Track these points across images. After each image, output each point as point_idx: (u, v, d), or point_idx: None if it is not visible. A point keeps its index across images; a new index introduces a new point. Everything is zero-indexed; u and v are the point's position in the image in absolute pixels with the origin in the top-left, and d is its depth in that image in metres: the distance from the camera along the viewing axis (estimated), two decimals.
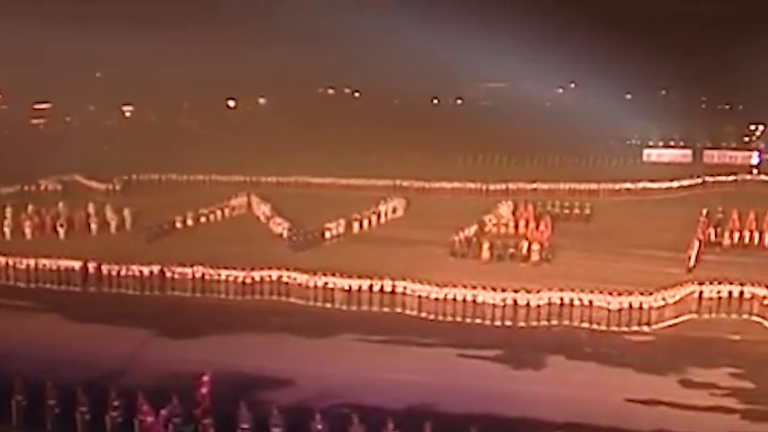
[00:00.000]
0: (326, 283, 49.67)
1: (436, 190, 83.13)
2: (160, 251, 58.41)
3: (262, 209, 72.41)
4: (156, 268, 52.19)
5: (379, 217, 71.01)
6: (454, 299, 47.41)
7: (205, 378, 30.38)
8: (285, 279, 50.75)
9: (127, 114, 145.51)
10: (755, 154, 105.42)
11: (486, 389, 37.77)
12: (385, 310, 48.48)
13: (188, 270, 51.77)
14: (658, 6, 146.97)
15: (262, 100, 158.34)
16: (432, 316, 47.47)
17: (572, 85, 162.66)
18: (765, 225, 63.98)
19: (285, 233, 64.91)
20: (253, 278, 51.03)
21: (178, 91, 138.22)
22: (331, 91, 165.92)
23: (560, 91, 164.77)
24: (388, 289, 48.74)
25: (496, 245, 60.05)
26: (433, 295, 47.80)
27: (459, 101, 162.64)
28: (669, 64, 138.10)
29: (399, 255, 58.27)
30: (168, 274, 52.01)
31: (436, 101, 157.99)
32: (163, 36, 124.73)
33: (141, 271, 52.16)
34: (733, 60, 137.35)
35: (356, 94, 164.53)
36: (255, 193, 76.93)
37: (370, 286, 48.98)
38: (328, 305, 49.30)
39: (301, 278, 50.30)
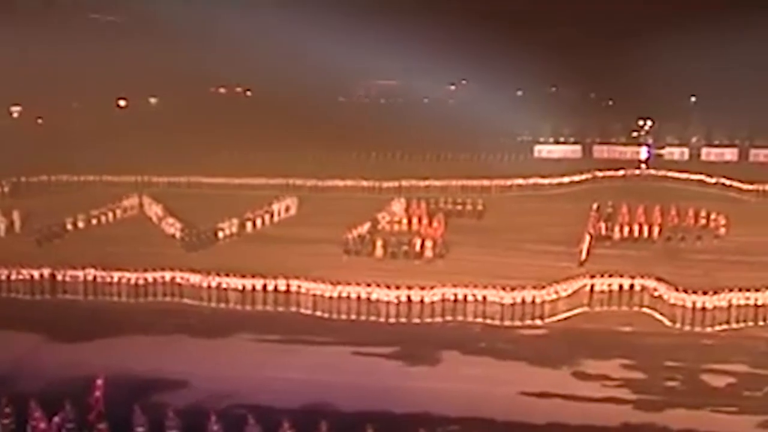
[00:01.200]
0: (220, 284, 49.31)
1: (329, 188, 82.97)
2: (50, 254, 57.34)
3: (154, 210, 71.58)
4: (47, 272, 51.21)
5: (272, 216, 70.69)
6: (349, 297, 47.40)
7: (99, 382, 29.97)
8: (178, 280, 50.23)
9: (15, 115, 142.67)
10: (643, 149, 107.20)
11: (382, 386, 37.80)
12: (280, 309, 48.29)
13: (80, 273, 50.92)
14: (548, 4, 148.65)
15: (153, 100, 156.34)
16: (327, 315, 47.40)
17: (463, 82, 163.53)
18: (654, 218, 65.19)
19: (178, 234, 64.28)
20: (145, 280, 50.39)
21: (68, 91, 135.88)
22: (222, 90, 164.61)
23: (452, 87, 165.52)
24: (282, 288, 48.55)
25: (389, 242, 60.25)
26: (327, 294, 47.74)
27: (352, 98, 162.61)
28: (559, 61, 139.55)
29: (293, 253, 58.03)
30: (59, 277, 51.09)
31: (328, 99, 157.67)
32: (52, 35, 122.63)
33: (31, 275, 51.10)
34: (621, 57, 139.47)
35: (248, 93, 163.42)
36: (147, 193, 75.99)
37: (264, 286, 48.73)
38: (222, 305, 48.95)
39: (195, 279, 49.85)
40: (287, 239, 63.36)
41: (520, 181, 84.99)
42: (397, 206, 70.29)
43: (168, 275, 50.47)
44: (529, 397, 36.95)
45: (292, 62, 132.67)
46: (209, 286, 49.42)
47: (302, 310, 48.05)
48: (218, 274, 49.59)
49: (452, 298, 46.85)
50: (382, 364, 41.15)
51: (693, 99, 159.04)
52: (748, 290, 46.54)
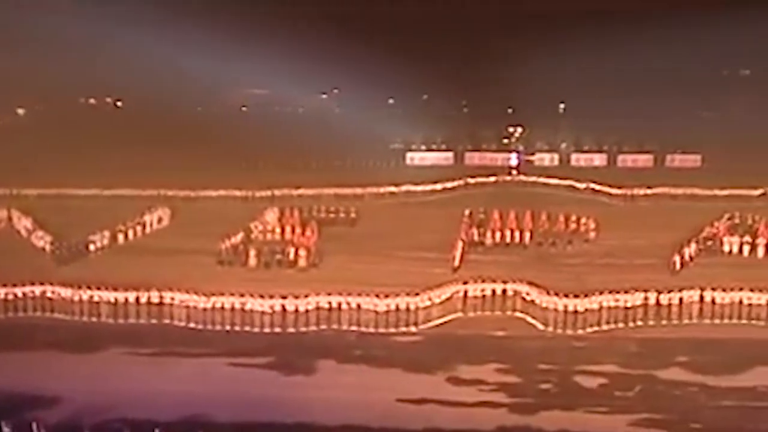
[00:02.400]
0: (92, 297, 48.50)
1: (202, 198, 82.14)
2: None
3: (24, 223, 70.02)
4: None
5: (144, 227, 69.77)
6: (222, 308, 47.11)
7: None
8: (49, 294, 49.22)
9: None
10: (514, 155, 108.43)
11: (258, 397, 37.67)
12: (153, 321, 47.74)
13: None
14: (420, 14, 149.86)
15: (20, 111, 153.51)
16: (201, 326, 47.01)
17: (335, 91, 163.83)
18: (525, 224, 66.05)
19: (48, 247, 63.03)
20: (15, 294, 49.26)
21: None
22: (92, 101, 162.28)
23: (323, 96, 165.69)
24: (155, 300, 47.99)
25: (263, 252, 60.07)
26: (201, 305, 47.37)
27: (224, 108, 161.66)
28: (430, 70, 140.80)
29: (165, 265, 57.40)
30: None
31: (200, 109, 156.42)
32: None
33: None
34: (491, 66, 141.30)
35: (118, 104, 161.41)
36: (15, 206, 74.35)
37: (137, 298, 48.11)
38: (95, 319, 48.18)
39: (66, 292, 48.94)
40: (160, 251, 62.60)
41: (393, 189, 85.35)
42: (271, 216, 70.03)
43: (38, 290, 49.39)
44: (405, 403, 37.15)
45: (164, 72, 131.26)
46: (80, 300, 48.57)
47: (176, 322, 47.55)
48: (90, 288, 48.77)
49: (326, 306, 46.90)
50: (258, 374, 41.00)
51: (562, 106, 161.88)
52: (617, 292, 47.54)
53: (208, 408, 35.79)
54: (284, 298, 46.98)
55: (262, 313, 46.61)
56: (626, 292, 47.72)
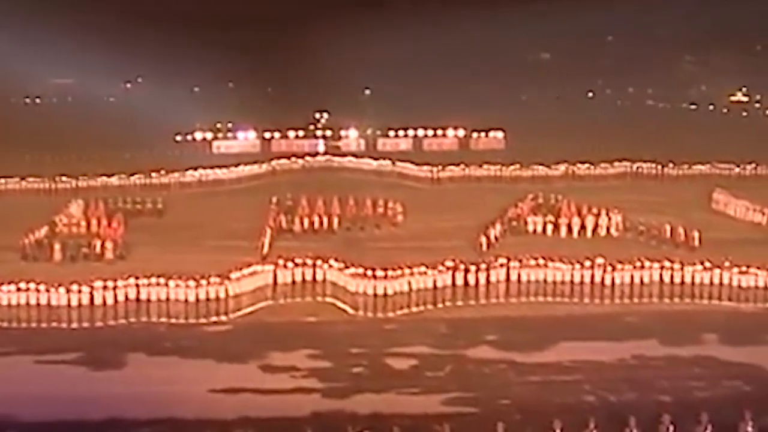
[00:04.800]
0: None
1: (3, 191, 79.99)
2: None
3: None
4: None
5: None
6: (27, 304, 45.95)
7: None
8: None
9: None
10: (321, 141, 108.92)
11: (66, 394, 36.81)
12: None
13: None
14: (223, 6, 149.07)
15: None
16: (5, 324, 45.67)
17: (139, 80, 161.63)
18: (333, 209, 66.36)
19: None
20: None
21: None
22: None
23: (128, 86, 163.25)
24: None
25: (68, 246, 58.80)
26: (4, 302, 46.06)
27: (27, 98, 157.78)
28: (235, 57, 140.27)
29: None
30: None
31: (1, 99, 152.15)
32: None
33: None
34: (296, 52, 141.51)
35: None
36: None
37: None
38: None
39: None
40: None
41: (200, 178, 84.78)
42: (75, 208, 68.55)
43: None
44: (218, 393, 36.86)
45: None
46: None
47: None
48: None
49: (135, 298, 46.25)
50: (66, 371, 40.01)
51: (368, 91, 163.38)
52: (425, 275, 48.23)
53: (14, 408, 34.73)
54: (91, 292, 46.09)
55: (69, 308, 45.65)
56: (434, 273, 48.45)
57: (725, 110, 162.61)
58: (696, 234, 59.80)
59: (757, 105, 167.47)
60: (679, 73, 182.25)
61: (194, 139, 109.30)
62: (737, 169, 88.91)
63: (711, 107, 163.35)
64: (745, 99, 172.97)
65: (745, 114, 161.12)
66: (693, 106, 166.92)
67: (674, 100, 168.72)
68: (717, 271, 49.52)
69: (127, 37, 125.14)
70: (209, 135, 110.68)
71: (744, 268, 49.33)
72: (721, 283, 49.32)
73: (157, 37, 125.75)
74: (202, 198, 79.09)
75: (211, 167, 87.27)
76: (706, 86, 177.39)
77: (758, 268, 49.30)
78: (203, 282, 46.79)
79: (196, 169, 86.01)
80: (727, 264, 49.69)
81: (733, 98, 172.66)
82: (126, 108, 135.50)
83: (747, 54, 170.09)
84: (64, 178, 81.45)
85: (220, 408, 35.15)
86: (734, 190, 75.75)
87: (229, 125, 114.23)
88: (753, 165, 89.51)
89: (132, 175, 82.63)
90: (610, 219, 64.93)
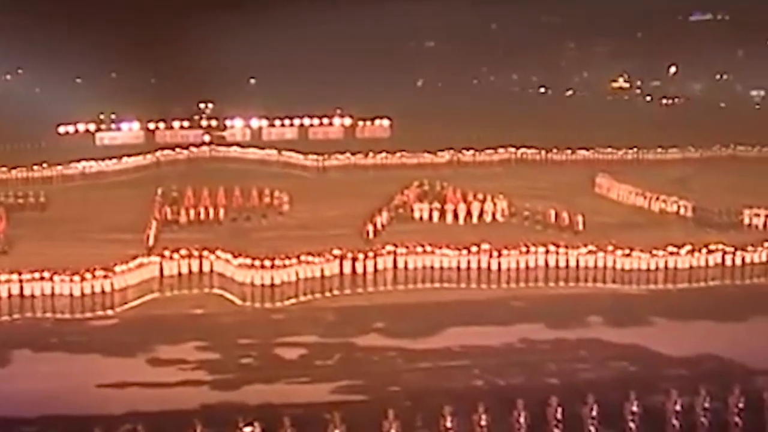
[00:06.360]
0: None
1: None
2: None
3: None
4: None
5: None
6: None
7: None
8: None
9: None
10: (206, 131, 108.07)
11: None
12: None
13: None
14: None
15: None
16: None
17: (20, 71, 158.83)
18: (219, 200, 65.95)
19: None
20: None
21: None
22: None
23: (7, 77, 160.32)
24: None
25: None
26: None
27: None
28: (118, 47, 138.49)
29: None
30: None
31: None
32: None
33: None
34: (180, 42, 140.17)
35: None
36: None
37: None
38: None
39: None
40: None
41: (84, 170, 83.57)
42: None
43: None
44: (106, 388, 36.47)
45: None
46: None
47: None
48: None
49: (19, 294, 45.41)
50: None
51: (253, 81, 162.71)
52: (313, 264, 48.22)
53: None
54: None
55: None
56: (322, 262, 48.48)
57: (608, 96, 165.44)
58: (580, 218, 60.91)
59: (638, 91, 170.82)
60: (562, 60, 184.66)
61: (77, 131, 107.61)
62: (619, 154, 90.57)
63: (593, 93, 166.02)
64: (627, 85, 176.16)
65: (626, 99, 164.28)
66: (576, 93, 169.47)
67: (558, 87, 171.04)
68: (601, 254, 50.31)
69: (5, 29, 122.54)
70: (92, 126, 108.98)
71: (627, 251, 50.22)
72: (605, 266, 50.12)
73: (37, 28, 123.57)
74: (86, 191, 77.97)
75: (95, 159, 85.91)
76: (588, 73, 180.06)
77: (641, 250, 50.25)
78: (88, 276, 46.03)
79: (79, 161, 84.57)
80: (610, 247, 50.55)
81: (614, 84, 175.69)
82: (6, 100, 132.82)
83: (628, 41, 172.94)
84: None
85: (109, 403, 34.78)
86: (616, 175, 77.20)
87: (113, 116, 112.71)
88: (634, 149, 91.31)
89: (13, 168, 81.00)
90: (495, 205, 65.70)
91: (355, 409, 33.13)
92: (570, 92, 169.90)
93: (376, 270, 49.55)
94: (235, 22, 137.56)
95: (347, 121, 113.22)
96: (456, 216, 65.13)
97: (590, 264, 50.24)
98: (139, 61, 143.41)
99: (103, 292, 45.89)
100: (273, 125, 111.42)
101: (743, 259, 51.04)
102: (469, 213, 65.21)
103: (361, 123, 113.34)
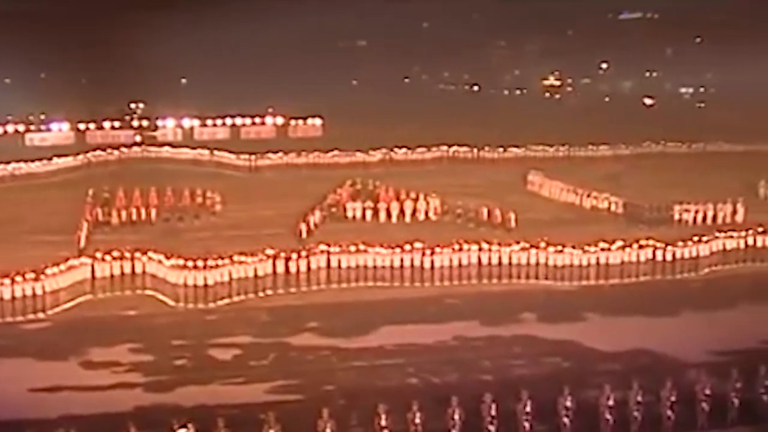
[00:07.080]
0: None
1: None
2: None
3: None
4: None
5: None
6: None
7: None
8: None
9: None
10: (137, 131, 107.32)
11: None
12: None
13: None
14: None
15: None
16: None
17: None
18: (151, 201, 65.52)
19: None
20: None
21: None
22: None
23: None
24: None
25: None
26: None
27: None
28: (47, 47, 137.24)
29: None
30: None
31: None
32: None
33: None
34: (111, 43, 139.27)
35: None
36: None
37: None
38: None
39: None
40: None
41: (13, 172, 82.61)
42: None
43: None
44: (38, 392, 36.08)
45: None
46: None
47: None
48: None
49: None
50: None
51: (184, 81, 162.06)
52: (246, 264, 48.07)
53: None
54: None
55: None
56: (255, 262, 48.34)
57: (541, 94, 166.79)
58: (512, 215, 61.32)
59: (569, 89, 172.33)
60: (493, 58, 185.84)
61: (6, 132, 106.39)
62: (551, 151, 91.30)
63: (525, 91, 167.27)
64: (558, 83, 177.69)
65: (558, 97, 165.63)
66: (507, 91, 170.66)
67: (489, 85, 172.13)
68: (533, 251, 50.66)
69: None
70: (21, 127, 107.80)
71: (559, 248, 50.65)
72: (537, 263, 50.47)
73: None
74: (16, 192, 77.03)
75: (25, 160, 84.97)
76: (519, 71, 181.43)
77: (573, 247, 50.70)
78: (18, 279, 45.49)
79: (8, 162, 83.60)
80: (542, 244, 50.93)
81: (545, 82, 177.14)
82: None
83: (559, 39, 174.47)
84: None
85: (41, 407, 34.41)
86: (548, 172, 77.81)
87: (42, 117, 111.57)
88: (566, 147, 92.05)
89: None
90: (428, 203, 65.98)
91: (290, 408, 33.15)
92: (501, 90, 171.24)
93: (309, 269, 49.48)
94: (166, 21, 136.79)
95: (279, 121, 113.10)
96: (389, 214, 65.30)
97: (523, 261, 50.55)
98: (69, 61, 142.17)
99: (34, 294, 45.32)
100: (205, 125, 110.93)
101: (674, 255, 51.68)
102: (402, 211, 65.42)
103: (293, 122, 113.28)
